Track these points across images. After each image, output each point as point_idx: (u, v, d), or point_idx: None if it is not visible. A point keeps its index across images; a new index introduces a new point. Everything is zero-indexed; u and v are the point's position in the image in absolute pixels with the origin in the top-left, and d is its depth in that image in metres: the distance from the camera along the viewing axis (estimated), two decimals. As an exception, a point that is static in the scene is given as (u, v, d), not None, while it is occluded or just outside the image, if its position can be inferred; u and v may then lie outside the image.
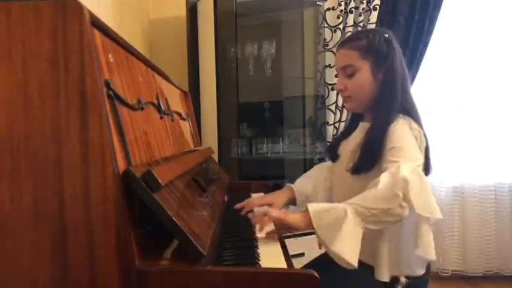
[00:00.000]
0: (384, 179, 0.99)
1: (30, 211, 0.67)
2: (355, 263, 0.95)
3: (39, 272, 0.67)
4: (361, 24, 2.53)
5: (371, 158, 1.13)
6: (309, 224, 1.00)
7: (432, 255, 1.11)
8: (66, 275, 0.67)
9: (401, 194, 0.96)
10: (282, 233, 1.11)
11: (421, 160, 1.08)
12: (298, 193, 1.40)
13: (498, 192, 2.68)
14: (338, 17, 2.55)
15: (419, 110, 1.21)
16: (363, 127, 1.25)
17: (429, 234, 1.04)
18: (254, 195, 1.67)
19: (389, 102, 1.17)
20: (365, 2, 2.51)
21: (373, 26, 2.48)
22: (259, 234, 1.04)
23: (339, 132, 2.47)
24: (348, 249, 0.95)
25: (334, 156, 1.33)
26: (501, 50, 2.64)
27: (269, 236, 1.05)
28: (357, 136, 1.26)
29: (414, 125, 1.14)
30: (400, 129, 1.11)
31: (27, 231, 0.67)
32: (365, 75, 1.20)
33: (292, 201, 1.41)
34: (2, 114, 0.67)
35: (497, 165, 2.66)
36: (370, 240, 1.12)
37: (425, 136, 1.17)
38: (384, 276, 1.12)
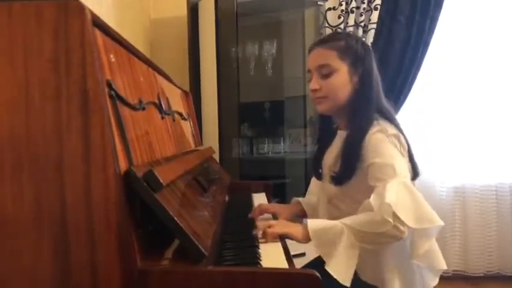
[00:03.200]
0: (373, 202, 1.01)
1: (31, 211, 0.67)
2: (347, 283, 0.98)
3: (41, 272, 0.67)
4: (362, 24, 2.52)
5: (350, 167, 1.13)
6: (308, 239, 1.04)
7: (435, 264, 1.10)
8: (67, 275, 0.67)
9: (390, 219, 0.97)
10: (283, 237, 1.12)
11: (407, 170, 1.08)
12: (306, 206, 1.41)
13: (499, 192, 2.67)
14: (339, 17, 2.54)
15: (403, 111, 1.21)
16: (340, 137, 1.22)
17: (427, 243, 1.04)
18: (255, 195, 1.68)
19: (365, 108, 1.15)
20: (366, 1, 2.50)
21: (374, 26, 2.47)
22: (261, 238, 1.06)
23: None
24: (341, 269, 0.99)
25: (319, 175, 1.32)
26: (502, 50, 2.63)
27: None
28: (335, 147, 1.23)
29: (391, 130, 1.11)
30: (378, 140, 1.09)
31: (28, 232, 0.67)
32: (342, 77, 1.16)
33: (301, 214, 1.42)
34: (3, 114, 0.67)
35: (499, 165, 2.65)
36: (371, 259, 1.11)
37: (404, 138, 1.14)
38: None
